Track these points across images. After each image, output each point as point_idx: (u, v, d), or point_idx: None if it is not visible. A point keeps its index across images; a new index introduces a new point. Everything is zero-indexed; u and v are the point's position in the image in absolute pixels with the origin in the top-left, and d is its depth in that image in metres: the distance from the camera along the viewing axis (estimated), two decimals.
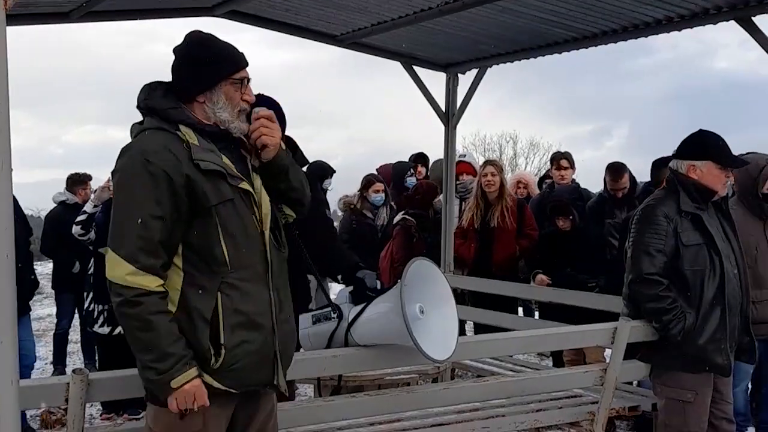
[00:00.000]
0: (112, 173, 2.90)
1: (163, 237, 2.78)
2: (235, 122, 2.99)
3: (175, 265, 2.84)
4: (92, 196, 7.09)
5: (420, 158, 9.70)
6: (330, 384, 4.40)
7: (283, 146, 3.10)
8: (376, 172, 9.19)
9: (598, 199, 7.46)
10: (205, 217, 2.84)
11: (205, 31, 3.07)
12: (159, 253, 2.77)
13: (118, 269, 2.74)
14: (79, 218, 7.08)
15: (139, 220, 2.75)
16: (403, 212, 7.96)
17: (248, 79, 3.04)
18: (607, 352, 4.96)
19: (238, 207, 2.91)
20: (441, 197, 7.79)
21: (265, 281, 2.96)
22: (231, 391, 2.88)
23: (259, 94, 4.17)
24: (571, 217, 6.99)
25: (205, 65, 2.95)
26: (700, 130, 4.66)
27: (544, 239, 7.30)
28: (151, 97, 2.95)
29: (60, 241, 8.42)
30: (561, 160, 8.21)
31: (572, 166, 8.28)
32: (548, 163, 10.25)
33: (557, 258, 6.95)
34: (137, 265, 2.73)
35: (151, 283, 2.75)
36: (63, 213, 8.58)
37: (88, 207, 7.06)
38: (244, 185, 2.94)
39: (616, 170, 7.17)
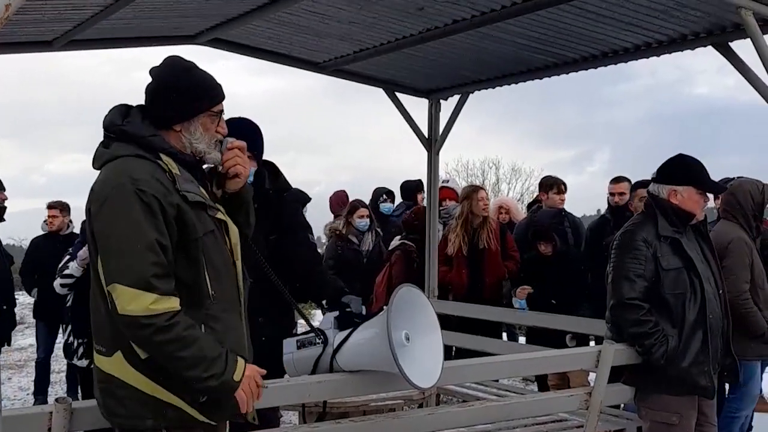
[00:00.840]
0: (96, 201, 2.75)
1: (170, 265, 2.72)
2: (212, 153, 2.99)
3: None
4: (81, 254, 6.55)
5: (421, 186, 9.74)
6: (315, 410, 4.38)
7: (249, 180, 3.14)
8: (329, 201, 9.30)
9: (599, 221, 7.52)
10: (192, 250, 2.80)
11: (187, 58, 3.04)
12: (171, 278, 2.72)
13: (138, 301, 2.62)
14: (64, 281, 6.71)
15: (148, 247, 2.66)
16: (400, 237, 7.99)
17: (223, 113, 3.04)
18: (592, 376, 4.98)
19: (218, 238, 2.91)
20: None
21: (238, 311, 2.97)
22: (211, 423, 2.86)
23: (239, 118, 4.21)
24: (552, 242, 7.02)
25: (187, 95, 2.92)
26: (680, 155, 4.71)
27: (526, 264, 7.33)
28: (129, 123, 2.88)
29: (39, 270, 8.42)
30: (561, 184, 8.19)
31: (566, 189, 8.32)
32: (535, 187, 10.30)
33: (539, 283, 6.98)
34: (158, 291, 2.64)
35: (176, 303, 2.69)
36: (41, 242, 8.63)
37: (75, 270, 6.60)
38: (220, 215, 2.95)
39: (616, 178, 7.45)
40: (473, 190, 7.65)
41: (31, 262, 8.73)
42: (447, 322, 7.01)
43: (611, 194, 7.40)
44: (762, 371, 5.61)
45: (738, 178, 5.81)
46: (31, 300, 9.53)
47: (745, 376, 5.25)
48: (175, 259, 2.76)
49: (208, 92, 2.98)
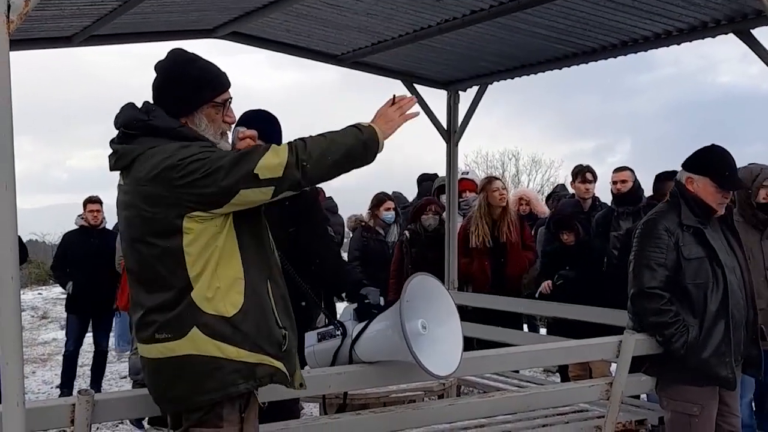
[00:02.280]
0: (171, 168, 2.77)
1: None
2: (220, 142, 3.02)
3: (231, 254, 2.86)
4: None
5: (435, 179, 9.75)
6: (335, 402, 4.40)
7: None
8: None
9: (605, 212, 7.47)
10: (257, 214, 2.97)
11: (192, 51, 3.08)
12: None
13: (274, 156, 2.79)
14: None
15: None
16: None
17: (230, 100, 3.05)
18: (613, 366, 4.96)
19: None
20: (430, 215, 7.81)
21: (282, 278, 3.08)
22: (287, 375, 2.94)
23: (257, 109, 4.22)
24: (574, 231, 6.99)
25: (189, 87, 2.96)
26: (712, 145, 4.59)
27: (549, 256, 7.31)
28: (156, 117, 2.91)
29: (72, 264, 8.55)
30: (586, 173, 8.00)
31: (595, 178, 8.15)
32: (555, 178, 10.24)
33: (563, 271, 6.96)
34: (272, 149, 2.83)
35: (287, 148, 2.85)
36: (74, 236, 8.75)
37: None
38: None
39: (618, 168, 7.35)
40: (488, 182, 7.64)
41: (64, 256, 8.85)
42: (467, 314, 7.03)
43: (613, 183, 7.30)
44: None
45: (749, 164, 5.71)
46: (52, 295, 9.63)
47: None
48: (246, 218, 2.90)
49: (211, 82, 3.01)
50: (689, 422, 4.43)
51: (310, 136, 2.89)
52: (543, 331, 9.36)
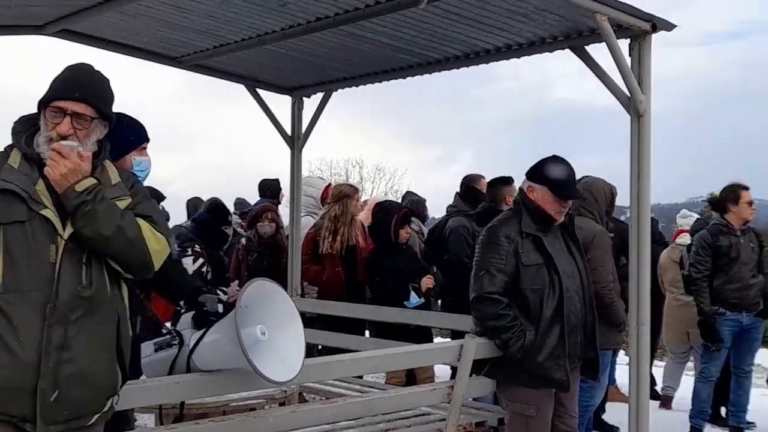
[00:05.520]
0: None
1: None
2: (42, 147, 2.94)
3: None
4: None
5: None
6: (172, 412, 4.24)
7: (84, 186, 2.88)
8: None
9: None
10: None
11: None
12: None
13: None
14: None
15: None
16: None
17: (71, 113, 2.94)
18: (437, 368, 5.02)
19: (31, 231, 2.83)
20: (266, 223, 7.84)
21: (42, 313, 2.80)
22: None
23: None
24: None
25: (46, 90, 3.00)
26: (552, 156, 4.77)
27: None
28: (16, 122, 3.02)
29: None
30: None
31: None
32: (399, 186, 10.19)
33: None
34: None
35: None
36: None
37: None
38: (46, 212, 2.85)
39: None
40: (354, 191, 7.62)
41: None
42: (310, 321, 6.96)
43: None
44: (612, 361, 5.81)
45: (585, 177, 5.94)
46: None
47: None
48: None
49: (54, 86, 3.01)
50: (526, 423, 4.55)
51: None
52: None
